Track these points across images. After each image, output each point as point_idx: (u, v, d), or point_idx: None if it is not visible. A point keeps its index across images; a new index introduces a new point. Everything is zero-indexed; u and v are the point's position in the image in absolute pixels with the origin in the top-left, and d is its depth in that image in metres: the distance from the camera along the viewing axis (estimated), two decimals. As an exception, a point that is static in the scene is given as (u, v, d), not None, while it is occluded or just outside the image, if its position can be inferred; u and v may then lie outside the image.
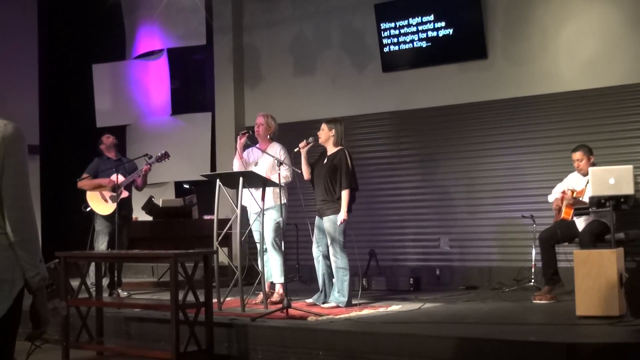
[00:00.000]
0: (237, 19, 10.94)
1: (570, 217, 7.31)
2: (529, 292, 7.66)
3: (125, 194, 8.35)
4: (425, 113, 9.43)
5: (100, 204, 8.41)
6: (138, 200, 10.19)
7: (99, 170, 8.52)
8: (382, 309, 6.89)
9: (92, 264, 7.65)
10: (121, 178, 8.27)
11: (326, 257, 7.16)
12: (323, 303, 7.09)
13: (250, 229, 7.45)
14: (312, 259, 7.33)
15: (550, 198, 7.69)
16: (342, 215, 6.97)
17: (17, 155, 2.76)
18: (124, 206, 8.40)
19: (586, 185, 7.18)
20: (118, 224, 8.20)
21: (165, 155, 8.49)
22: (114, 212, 8.25)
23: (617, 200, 6.52)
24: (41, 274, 2.78)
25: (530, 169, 8.67)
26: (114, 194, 8.26)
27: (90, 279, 7.60)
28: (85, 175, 8.52)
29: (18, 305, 2.76)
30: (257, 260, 7.35)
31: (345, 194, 7.00)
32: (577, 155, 7.46)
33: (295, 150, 7.20)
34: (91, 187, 8.44)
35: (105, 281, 8.23)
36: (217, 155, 10.89)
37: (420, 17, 9.25)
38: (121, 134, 12.01)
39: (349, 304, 6.98)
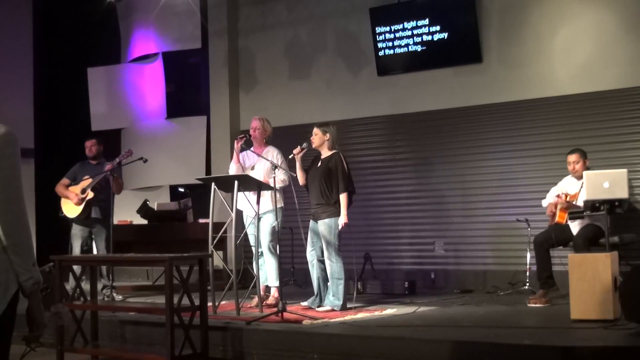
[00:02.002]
0: (232, 23, 10.94)
1: (564, 221, 7.32)
2: (524, 295, 7.67)
3: (90, 195, 8.26)
4: (420, 117, 9.44)
5: (69, 207, 8.41)
6: (133, 204, 10.20)
7: (78, 176, 8.50)
8: (377, 313, 6.90)
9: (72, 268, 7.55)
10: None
11: (321, 260, 7.17)
12: (318, 307, 7.10)
13: (246, 233, 7.45)
14: (307, 263, 7.34)
15: (544, 203, 7.70)
16: (343, 218, 6.97)
17: (9, 159, 2.75)
18: (96, 209, 8.36)
19: (580, 189, 7.19)
20: (92, 228, 8.32)
21: (129, 153, 8.38)
22: (85, 216, 8.28)
23: (611, 204, 6.52)
24: (34, 277, 2.77)
25: (525, 172, 8.68)
26: (82, 196, 8.27)
27: (70, 283, 7.65)
28: (64, 179, 8.52)
29: (12, 308, 2.76)
30: (252, 263, 7.36)
31: (343, 197, 7.02)
32: (573, 157, 7.48)
33: (290, 157, 7.22)
34: (63, 195, 8.44)
35: (99, 285, 8.25)
36: (212, 159, 10.88)
37: (415, 21, 9.26)
38: (116, 138, 12.00)
39: (344, 308, 6.99)
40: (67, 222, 8.55)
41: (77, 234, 8.44)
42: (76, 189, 8.36)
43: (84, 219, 8.36)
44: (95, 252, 8.55)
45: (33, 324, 2.81)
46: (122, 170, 10.75)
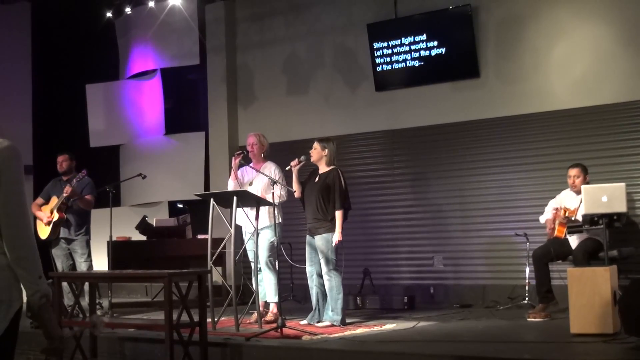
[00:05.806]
0: (230, 39, 10.98)
1: (563, 235, 7.32)
2: (523, 310, 7.67)
3: (55, 216, 8.16)
4: (418, 132, 9.46)
5: (41, 228, 8.34)
6: (131, 220, 10.19)
7: (50, 194, 8.43)
8: (376, 328, 6.89)
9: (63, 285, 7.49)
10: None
11: (319, 275, 7.16)
12: (317, 322, 7.09)
13: (245, 248, 7.45)
14: (306, 278, 7.33)
15: (542, 219, 7.69)
16: (337, 236, 6.97)
17: (13, 173, 2.76)
18: (65, 229, 8.30)
19: (580, 204, 7.19)
20: (68, 245, 8.29)
21: (83, 174, 8.21)
22: (56, 236, 8.24)
23: (610, 218, 6.54)
24: (41, 290, 2.74)
25: (523, 187, 8.69)
26: (49, 217, 8.22)
27: (66, 301, 7.62)
28: (38, 199, 8.48)
29: (15, 325, 2.75)
30: (251, 279, 7.35)
31: (339, 215, 7.01)
32: (574, 171, 7.48)
33: (287, 168, 7.23)
34: (36, 216, 8.36)
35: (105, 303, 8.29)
36: (211, 175, 10.89)
37: (412, 37, 9.30)
38: (115, 154, 12.02)
39: (343, 323, 6.98)
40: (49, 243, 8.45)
41: (56, 253, 8.39)
42: (47, 209, 8.29)
43: (55, 239, 8.30)
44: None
45: (48, 337, 2.79)
46: (121, 186, 10.73)
